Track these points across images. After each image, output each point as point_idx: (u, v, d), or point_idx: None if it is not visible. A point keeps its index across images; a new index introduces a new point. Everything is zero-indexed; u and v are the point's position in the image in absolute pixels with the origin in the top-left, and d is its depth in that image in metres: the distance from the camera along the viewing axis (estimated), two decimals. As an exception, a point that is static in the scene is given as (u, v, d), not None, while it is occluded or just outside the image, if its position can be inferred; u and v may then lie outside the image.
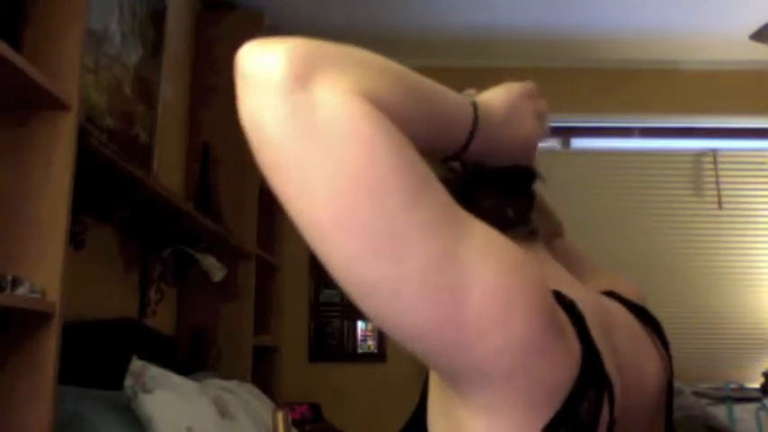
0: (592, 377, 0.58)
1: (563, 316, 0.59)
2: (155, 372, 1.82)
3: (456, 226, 0.53)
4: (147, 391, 1.75)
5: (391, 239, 0.50)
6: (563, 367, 0.56)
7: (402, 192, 0.50)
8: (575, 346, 0.58)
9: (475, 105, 0.64)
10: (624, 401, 0.64)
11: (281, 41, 0.53)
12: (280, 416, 1.62)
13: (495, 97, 0.69)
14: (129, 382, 1.75)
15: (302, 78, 0.51)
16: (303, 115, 0.50)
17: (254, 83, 0.52)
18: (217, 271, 2.62)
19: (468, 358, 0.53)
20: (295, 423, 2.91)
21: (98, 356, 1.91)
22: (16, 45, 1.45)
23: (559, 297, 0.62)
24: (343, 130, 0.50)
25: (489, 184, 0.72)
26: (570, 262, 0.81)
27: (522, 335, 0.53)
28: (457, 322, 0.52)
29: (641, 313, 0.78)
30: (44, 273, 1.42)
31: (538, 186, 0.77)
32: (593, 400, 0.58)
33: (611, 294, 0.79)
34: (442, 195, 0.54)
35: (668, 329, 0.80)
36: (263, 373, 3.23)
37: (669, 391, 0.77)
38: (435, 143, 0.62)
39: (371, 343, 3.69)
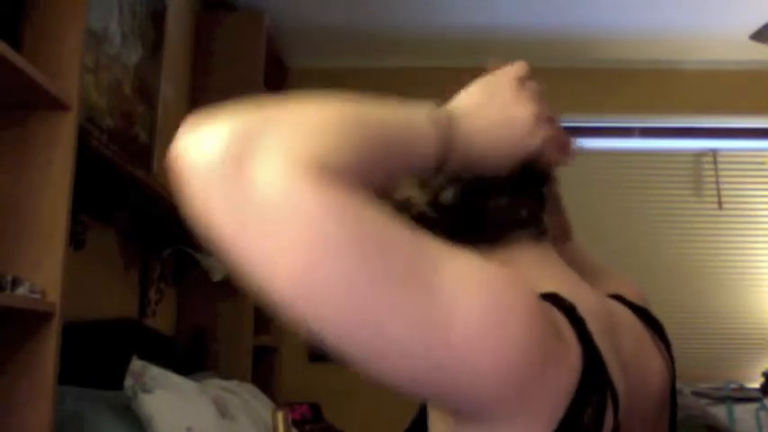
0: (594, 382, 0.58)
1: (562, 321, 0.59)
2: (155, 372, 1.82)
3: (429, 273, 0.51)
4: (147, 391, 1.75)
5: (362, 314, 0.49)
6: (564, 376, 0.56)
7: (362, 262, 0.48)
8: (574, 353, 0.58)
9: (442, 120, 0.61)
10: (628, 403, 0.63)
11: (218, 121, 0.50)
12: (280, 416, 1.62)
13: (467, 95, 0.66)
14: (129, 382, 1.75)
15: (241, 161, 0.48)
16: (248, 202, 0.48)
17: (192, 172, 0.50)
18: (217, 271, 2.62)
19: (465, 398, 0.53)
20: (295, 423, 2.91)
21: (98, 356, 1.91)
22: (16, 45, 1.45)
23: (559, 300, 0.62)
24: (290, 213, 0.47)
25: (503, 183, 0.71)
26: (577, 268, 0.81)
27: (516, 367, 0.53)
28: (451, 370, 0.51)
29: (643, 315, 0.78)
30: (44, 273, 1.42)
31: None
32: (596, 405, 0.57)
33: (616, 298, 0.78)
34: (407, 244, 0.52)
35: (668, 329, 0.80)
36: (263, 373, 3.23)
37: (672, 392, 0.77)
38: (408, 172, 0.60)
39: (371, 343, 3.69)
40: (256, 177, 0.48)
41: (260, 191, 0.48)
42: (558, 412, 0.55)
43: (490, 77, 0.68)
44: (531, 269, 0.70)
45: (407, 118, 0.59)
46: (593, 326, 0.62)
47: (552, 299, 0.62)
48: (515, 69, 0.69)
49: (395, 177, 0.58)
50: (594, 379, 0.58)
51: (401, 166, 0.59)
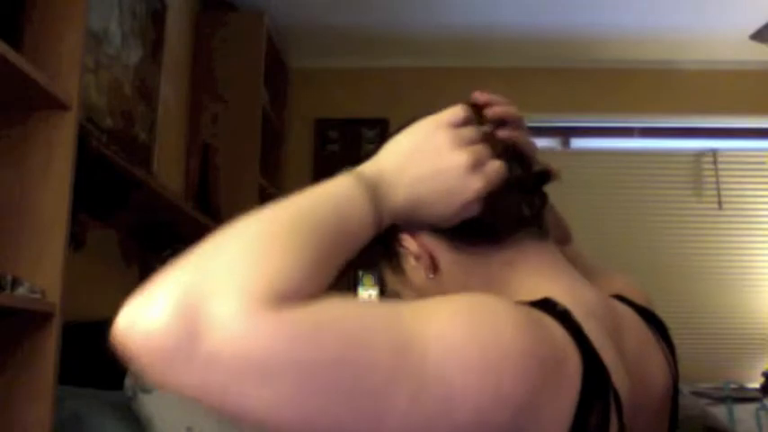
0: (596, 387, 0.58)
1: (558, 333, 0.58)
2: (155, 372, 1.82)
3: (415, 354, 0.50)
4: (146, 391, 1.75)
5: (369, 422, 0.49)
6: (563, 394, 0.56)
7: (351, 377, 0.48)
8: (573, 363, 0.57)
9: (370, 185, 0.60)
10: (632, 403, 0.63)
11: (155, 295, 0.49)
12: (280, 416, 1.62)
13: (394, 149, 0.64)
14: (129, 381, 1.75)
15: (196, 333, 0.46)
16: (219, 370, 0.47)
17: (147, 355, 0.47)
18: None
19: None
20: (295, 423, 2.91)
21: (98, 356, 1.91)
22: (16, 45, 1.45)
23: (551, 305, 0.62)
24: (264, 365, 0.47)
25: (507, 181, 0.70)
26: (579, 269, 0.81)
27: (517, 405, 0.53)
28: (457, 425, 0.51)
29: (647, 316, 0.78)
30: (44, 273, 1.42)
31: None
32: (601, 410, 0.57)
33: (618, 298, 0.78)
34: (383, 333, 0.50)
35: (669, 330, 0.80)
36: (263, 373, 3.23)
37: (674, 393, 0.77)
38: (359, 243, 0.59)
39: (371, 343, 3.68)
40: (216, 344, 0.46)
41: (223, 354, 0.46)
42: (566, 424, 0.55)
43: (420, 125, 0.65)
44: (533, 270, 0.70)
45: (336, 196, 0.58)
46: (594, 325, 0.62)
47: (545, 305, 0.61)
48: (447, 115, 0.65)
49: (349, 254, 0.57)
50: (596, 383, 0.58)
51: (350, 243, 0.58)
